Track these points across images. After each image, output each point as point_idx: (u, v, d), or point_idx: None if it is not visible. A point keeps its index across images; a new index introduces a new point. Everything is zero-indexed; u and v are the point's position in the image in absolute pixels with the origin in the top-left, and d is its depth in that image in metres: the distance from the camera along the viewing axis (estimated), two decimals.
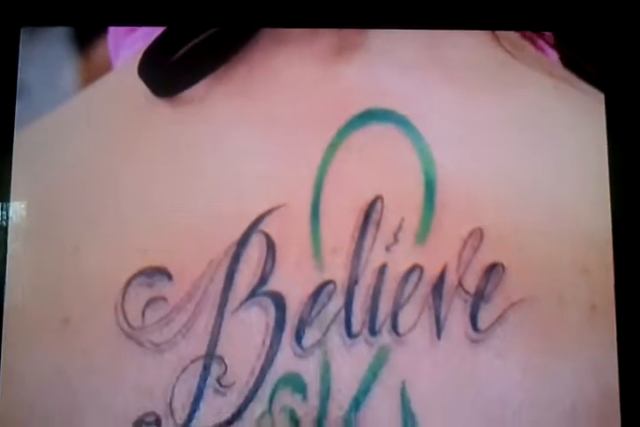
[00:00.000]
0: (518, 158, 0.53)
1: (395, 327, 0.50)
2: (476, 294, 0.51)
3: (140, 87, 0.53)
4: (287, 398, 0.49)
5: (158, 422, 0.49)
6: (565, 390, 0.50)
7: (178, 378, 0.49)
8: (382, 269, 0.51)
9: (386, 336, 0.50)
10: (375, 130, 0.53)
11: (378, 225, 0.51)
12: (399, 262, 0.51)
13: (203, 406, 0.49)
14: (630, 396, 0.50)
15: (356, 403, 0.49)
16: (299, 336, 0.50)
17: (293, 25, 0.54)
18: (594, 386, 0.50)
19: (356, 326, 0.50)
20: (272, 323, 0.50)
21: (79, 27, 0.55)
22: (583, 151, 0.53)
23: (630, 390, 0.50)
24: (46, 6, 0.55)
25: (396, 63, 0.54)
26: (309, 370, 0.50)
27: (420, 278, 0.51)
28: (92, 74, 0.55)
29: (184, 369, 0.49)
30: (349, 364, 0.50)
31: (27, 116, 0.54)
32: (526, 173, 0.52)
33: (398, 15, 0.55)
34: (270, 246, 0.51)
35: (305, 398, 0.49)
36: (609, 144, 0.54)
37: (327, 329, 0.50)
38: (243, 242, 0.51)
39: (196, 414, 0.49)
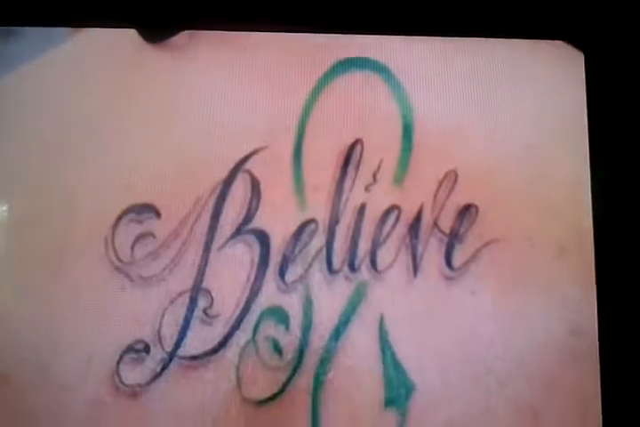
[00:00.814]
0: (494, 105, 0.55)
1: (373, 264, 0.52)
2: (450, 233, 0.53)
3: (131, 32, 0.55)
4: (271, 329, 0.51)
5: (147, 348, 0.50)
6: (535, 327, 0.52)
7: (166, 309, 0.51)
8: (362, 209, 0.53)
9: (365, 273, 0.52)
10: (356, 77, 0.55)
11: (357, 166, 0.53)
12: (378, 202, 0.53)
13: (190, 334, 0.51)
14: (607, 334, 0.52)
15: (336, 334, 0.51)
16: (282, 272, 0.52)
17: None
18: (564, 324, 0.52)
19: (336, 263, 0.52)
20: (257, 259, 0.52)
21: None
22: (561, 101, 0.55)
23: (607, 330, 0.52)
24: None
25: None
26: (292, 304, 0.51)
27: (397, 218, 0.53)
28: None
29: (172, 301, 0.51)
30: (330, 298, 0.52)
31: (17, 59, 0.55)
32: (502, 119, 0.54)
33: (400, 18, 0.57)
34: (255, 186, 0.53)
35: (288, 329, 0.51)
36: (588, 95, 0.55)
37: (309, 265, 0.52)
38: (228, 181, 0.53)
39: (184, 342, 0.51)
